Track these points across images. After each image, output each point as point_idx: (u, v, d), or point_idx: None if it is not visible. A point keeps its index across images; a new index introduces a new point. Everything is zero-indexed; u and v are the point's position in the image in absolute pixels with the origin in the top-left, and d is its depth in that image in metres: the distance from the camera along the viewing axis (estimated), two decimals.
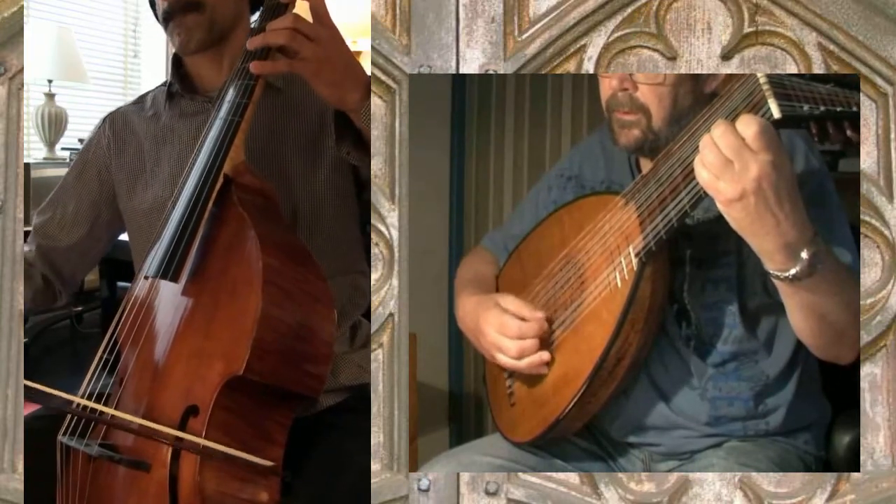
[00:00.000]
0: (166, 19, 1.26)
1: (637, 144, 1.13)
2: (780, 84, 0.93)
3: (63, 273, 1.40)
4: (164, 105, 1.37)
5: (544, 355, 1.14)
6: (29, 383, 1.05)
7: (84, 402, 1.08)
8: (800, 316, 1.03)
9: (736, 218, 0.94)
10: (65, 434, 1.11)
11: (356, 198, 1.34)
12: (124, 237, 1.43)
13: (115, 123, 1.40)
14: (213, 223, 1.11)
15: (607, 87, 1.13)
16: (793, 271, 0.96)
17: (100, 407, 1.07)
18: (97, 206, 1.40)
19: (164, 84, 1.39)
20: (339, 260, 1.30)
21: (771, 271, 0.98)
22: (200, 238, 1.10)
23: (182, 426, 1.03)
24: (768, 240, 0.95)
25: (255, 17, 1.35)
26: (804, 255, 0.95)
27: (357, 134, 1.12)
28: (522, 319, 1.16)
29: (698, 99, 1.11)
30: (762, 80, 0.94)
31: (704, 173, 0.93)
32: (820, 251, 0.96)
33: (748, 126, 0.91)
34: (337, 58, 1.07)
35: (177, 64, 1.35)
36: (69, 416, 1.12)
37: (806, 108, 0.92)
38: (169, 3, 1.25)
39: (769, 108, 0.93)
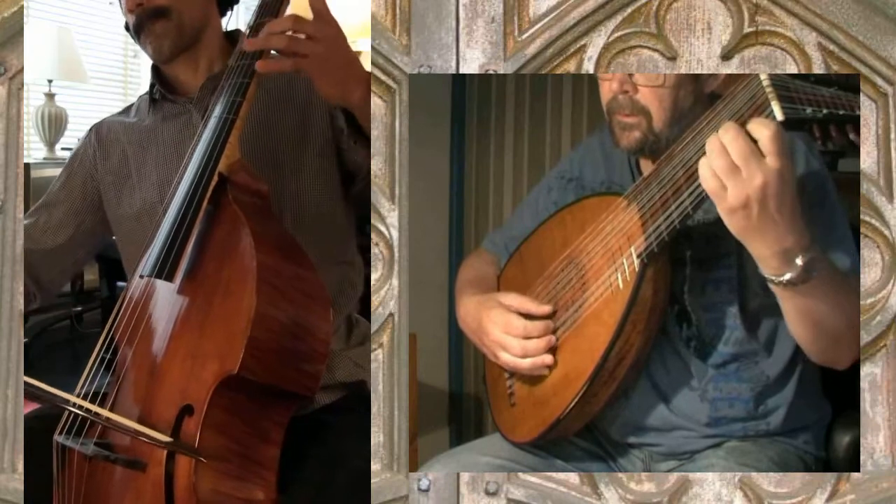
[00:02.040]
0: (137, 31, 1.28)
1: (638, 146, 1.13)
2: (783, 86, 0.93)
3: (40, 277, 1.40)
4: (147, 110, 1.38)
5: (547, 358, 1.14)
6: (28, 379, 1.05)
7: (81, 401, 1.08)
8: (796, 320, 1.03)
9: (737, 225, 0.94)
10: (61, 433, 1.11)
11: (343, 188, 1.34)
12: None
13: (101, 132, 1.42)
14: (208, 222, 1.11)
15: (607, 89, 1.13)
16: (788, 276, 0.96)
17: (95, 408, 1.07)
18: (80, 214, 1.41)
19: (146, 92, 1.40)
20: (327, 250, 1.30)
21: (767, 276, 0.98)
22: (195, 237, 1.10)
23: (177, 425, 1.03)
24: (766, 245, 0.95)
25: (227, 16, 1.37)
26: (799, 261, 0.95)
27: (361, 128, 1.12)
28: (528, 315, 1.16)
29: (698, 100, 1.11)
30: (765, 83, 0.94)
31: (710, 180, 0.93)
32: (815, 258, 0.96)
33: (764, 128, 0.91)
34: (340, 56, 1.07)
35: (156, 70, 1.37)
36: (65, 416, 1.11)
37: (809, 110, 0.92)
38: (136, 15, 1.27)
39: (772, 111, 0.93)
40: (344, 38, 1.09)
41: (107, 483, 1.08)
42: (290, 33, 1.05)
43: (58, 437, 1.10)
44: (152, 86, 1.37)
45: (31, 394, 1.06)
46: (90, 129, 1.43)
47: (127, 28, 1.33)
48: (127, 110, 1.45)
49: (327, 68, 1.06)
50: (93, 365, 1.15)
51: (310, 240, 1.22)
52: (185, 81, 1.35)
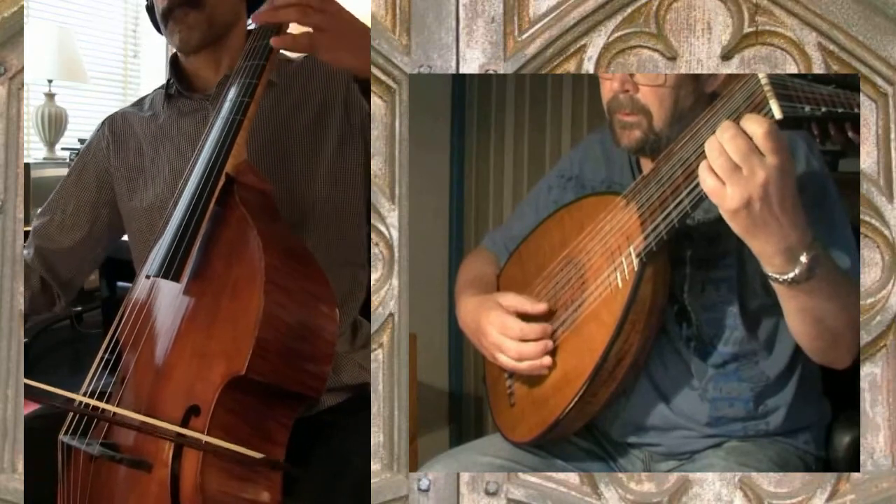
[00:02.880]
0: (165, 17, 1.27)
1: (639, 145, 1.13)
2: (781, 85, 0.93)
3: (61, 276, 1.40)
4: (162, 105, 1.37)
5: (545, 360, 1.14)
6: (31, 382, 1.05)
7: (86, 399, 1.08)
8: (797, 319, 1.03)
9: (741, 225, 0.94)
10: (66, 433, 1.11)
11: (361, 190, 1.34)
12: (125, 237, 1.43)
13: (115, 125, 1.41)
14: (214, 223, 1.11)
15: (608, 88, 1.13)
16: (791, 275, 0.96)
17: (101, 404, 1.07)
18: (96, 207, 1.40)
19: (162, 86, 1.39)
20: (339, 252, 1.30)
21: (770, 274, 0.98)
22: (202, 238, 1.10)
23: (184, 426, 1.03)
24: (769, 243, 0.95)
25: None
26: (803, 258, 0.95)
27: None
28: (525, 314, 1.16)
29: (699, 99, 1.11)
30: (763, 81, 0.94)
31: (710, 181, 0.93)
32: (818, 255, 0.96)
33: (758, 126, 0.91)
34: (350, 25, 1.07)
35: (175, 64, 1.36)
36: (70, 416, 1.11)
37: (807, 108, 0.92)
38: (168, 1, 1.25)
39: (770, 109, 0.93)
40: (348, 11, 1.08)
41: (112, 483, 1.08)
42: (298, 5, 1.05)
43: (63, 437, 1.10)
44: (169, 80, 1.37)
45: (38, 397, 1.06)
46: (103, 122, 1.42)
47: (149, 10, 1.32)
48: (140, 103, 1.43)
49: (342, 38, 1.06)
50: (98, 365, 1.15)
51: (321, 242, 1.22)
52: (204, 78, 1.34)
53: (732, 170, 0.91)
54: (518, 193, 2.25)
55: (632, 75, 1.09)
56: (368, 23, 1.06)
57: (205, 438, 1.00)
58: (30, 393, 1.06)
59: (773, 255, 0.96)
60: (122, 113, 1.43)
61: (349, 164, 1.31)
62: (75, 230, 1.39)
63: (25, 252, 1.39)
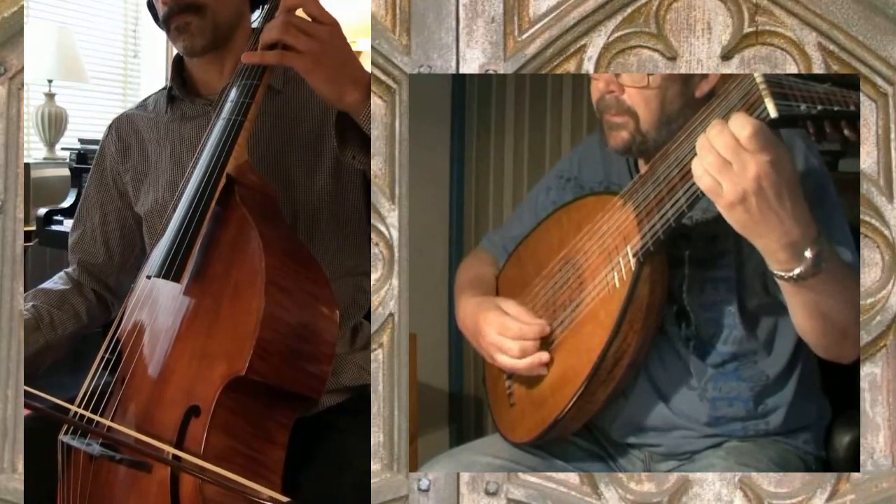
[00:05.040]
0: (166, 23, 1.26)
1: (626, 146, 1.13)
2: (777, 83, 0.93)
3: (110, 285, 1.41)
4: (165, 108, 1.37)
5: (543, 356, 1.14)
6: (30, 390, 1.05)
7: (82, 411, 1.08)
8: (803, 316, 1.03)
9: (739, 220, 0.93)
10: (66, 433, 1.11)
11: (364, 199, 1.33)
12: None
13: (121, 128, 1.41)
14: (215, 223, 1.11)
15: (596, 89, 1.14)
16: (797, 271, 0.95)
17: (97, 418, 1.07)
18: (121, 212, 1.40)
19: (164, 88, 1.39)
20: (343, 262, 1.29)
21: (775, 271, 0.97)
22: (203, 238, 1.10)
23: (184, 426, 1.03)
24: (772, 239, 0.94)
25: (256, 15, 1.35)
26: (808, 254, 0.94)
27: (362, 137, 1.11)
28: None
29: (689, 103, 1.11)
30: (759, 80, 0.93)
31: (706, 178, 0.93)
32: (824, 250, 0.95)
33: (742, 128, 0.91)
34: (334, 54, 1.06)
35: (178, 67, 1.35)
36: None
37: (803, 107, 0.92)
38: (168, 6, 1.25)
39: (766, 108, 0.92)
40: (343, 38, 1.08)
41: (112, 483, 1.08)
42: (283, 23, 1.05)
43: (63, 437, 1.10)
44: (171, 84, 1.36)
45: (33, 405, 1.05)
46: (110, 125, 1.42)
47: (150, 7, 1.30)
48: (144, 104, 1.43)
49: (320, 65, 1.05)
50: (98, 366, 1.15)
51: (325, 254, 1.22)
52: (207, 82, 1.34)
53: (723, 165, 0.91)
54: (518, 193, 2.25)
55: (617, 76, 1.09)
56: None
57: (202, 464, 0.99)
58: (30, 404, 1.05)
59: (777, 251, 0.95)
60: (127, 115, 1.42)
61: (349, 175, 1.30)
62: (107, 237, 1.40)
63: (71, 269, 1.40)
